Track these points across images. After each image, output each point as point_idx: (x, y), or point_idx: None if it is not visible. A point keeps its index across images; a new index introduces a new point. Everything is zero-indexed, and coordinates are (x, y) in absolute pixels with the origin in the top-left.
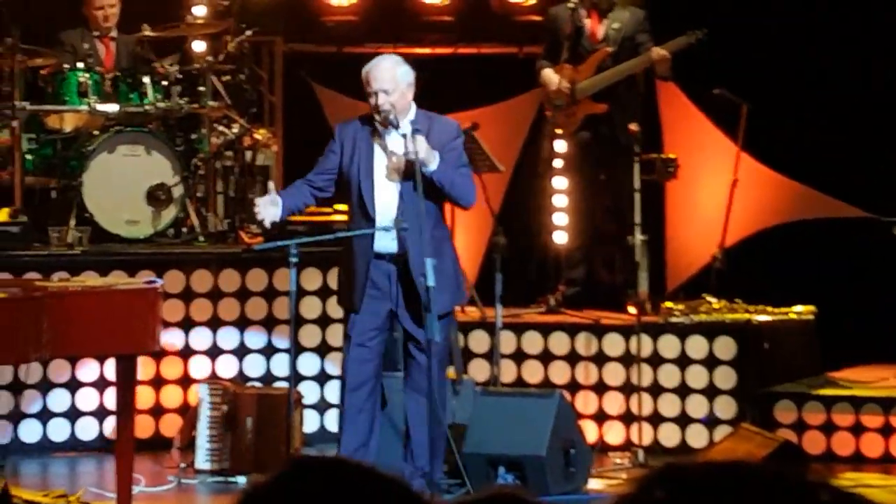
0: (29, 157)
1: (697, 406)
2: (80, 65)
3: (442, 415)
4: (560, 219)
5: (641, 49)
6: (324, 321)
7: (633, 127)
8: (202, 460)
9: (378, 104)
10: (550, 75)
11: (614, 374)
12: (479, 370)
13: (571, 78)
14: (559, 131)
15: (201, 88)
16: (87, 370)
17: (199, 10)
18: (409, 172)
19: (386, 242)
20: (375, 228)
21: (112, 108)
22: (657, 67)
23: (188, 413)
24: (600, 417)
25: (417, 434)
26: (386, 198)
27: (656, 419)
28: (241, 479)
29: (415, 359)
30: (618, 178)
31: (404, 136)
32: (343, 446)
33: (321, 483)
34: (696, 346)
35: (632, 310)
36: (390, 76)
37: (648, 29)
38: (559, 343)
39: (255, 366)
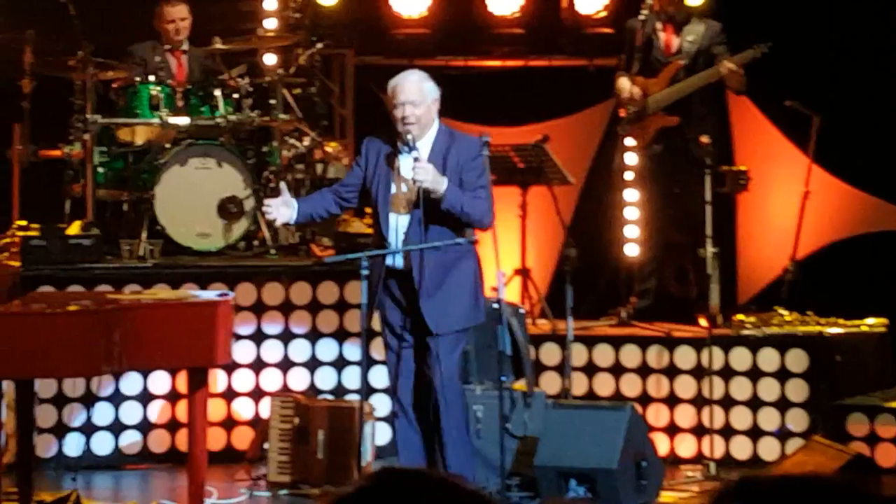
0: (101, 170)
1: (769, 419)
2: (152, 78)
3: (454, 435)
4: (631, 231)
5: (718, 62)
6: None
7: (705, 139)
8: (274, 473)
9: (405, 115)
10: (623, 82)
11: (686, 386)
12: (550, 383)
13: (644, 89)
14: (631, 143)
15: (272, 101)
16: (159, 383)
17: (271, 23)
18: (418, 197)
19: (393, 259)
20: (403, 248)
21: (183, 121)
22: (728, 81)
23: (259, 426)
24: (672, 430)
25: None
26: (398, 219)
27: (728, 432)
28: (313, 492)
29: (422, 388)
30: (690, 190)
31: (416, 159)
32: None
33: (405, 494)
34: (768, 358)
35: (703, 322)
36: (417, 88)
37: (725, 41)
38: (631, 355)
39: (326, 378)
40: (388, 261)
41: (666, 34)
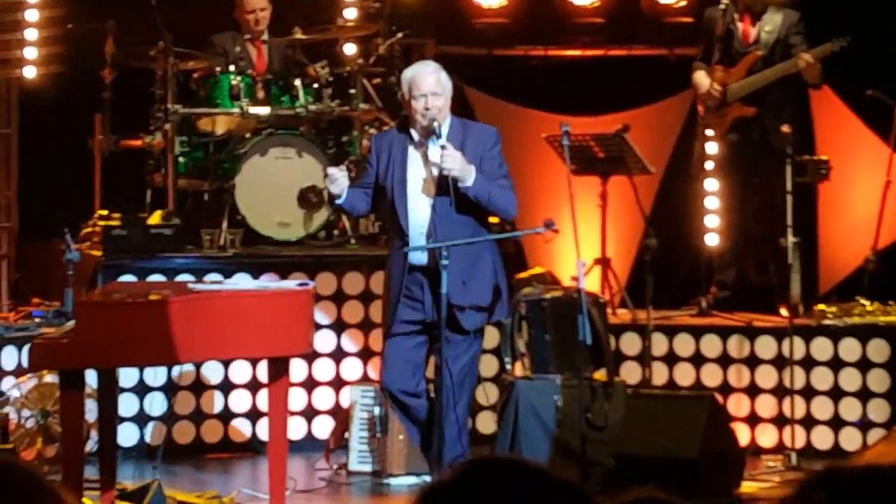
0: (181, 159)
1: (850, 409)
2: (232, 68)
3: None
4: (711, 221)
5: (794, 52)
6: None
7: (786, 129)
8: (355, 462)
9: (427, 106)
10: (701, 78)
11: (767, 376)
12: (630, 372)
13: (723, 80)
14: (710, 133)
15: (352, 91)
16: (240, 372)
17: (350, 13)
18: (443, 187)
19: (417, 255)
20: (428, 245)
21: (264, 110)
22: (805, 74)
23: (340, 415)
24: (753, 420)
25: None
26: (419, 211)
27: (809, 422)
28: (394, 481)
29: (440, 373)
30: (768, 180)
31: (443, 147)
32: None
33: (501, 482)
34: (850, 348)
35: (784, 312)
36: (436, 80)
37: (803, 31)
38: (711, 345)
39: None
40: (412, 257)
41: (744, 24)
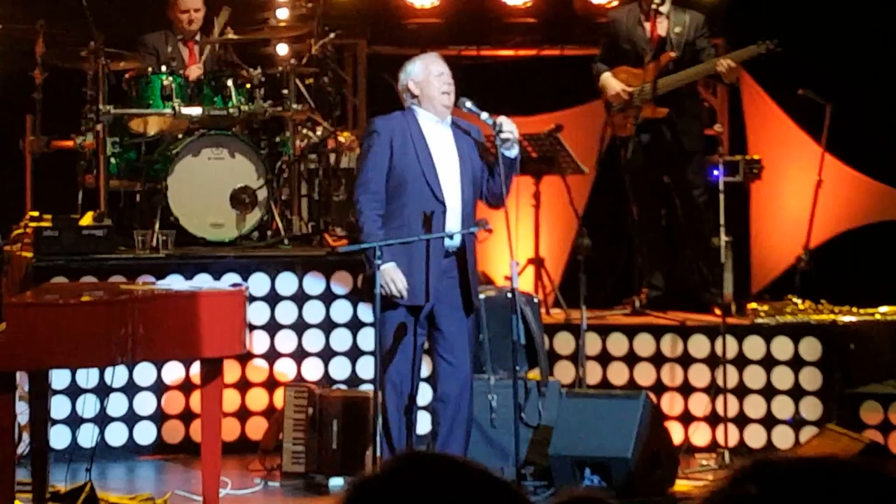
0: (113, 160)
1: (783, 407)
2: (164, 68)
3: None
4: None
5: (703, 55)
6: None
7: (718, 128)
8: (288, 463)
9: (451, 84)
10: (609, 80)
11: (700, 375)
12: (564, 372)
13: (628, 81)
14: (617, 135)
15: (285, 91)
16: (173, 373)
17: (283, 14)
18: (472, 168)
19: (452, 239)
20: (461, 231)
21: (196, 111)
22: (724, 76)
23: (274, 416)
24: (686, 419)
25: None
26: (452, 195)
27: (742, 420)
28: (328, 482)
29: (448, 363)
30: (685, 181)
31: (493, 122)
32: None
33: (433, 477)
34: (782, 347)
35: (717, 311)
36: (445, 63)
37: (708, 35)
38: (644, 344)
39: (340, 368)
40: (447, 242)
41: (651, 25)
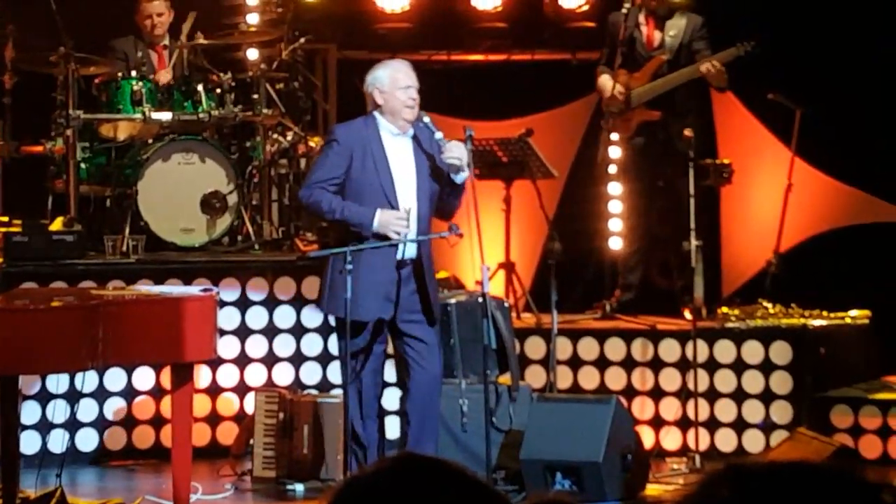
0: (83, 165)
1: (754, 411)
2: (134, 73)
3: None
4: (615, 224)
5: (698, 57)
6: None
7: (688, 132)
8: (259, 468)
9: (413, 97)
10: (605, 82)
11: (670, 379)
12: (535, 376)
13: (626, 84)
14: (614, 137)
15: (255, 96)
16: (144, 378)
17: (253, 18)
18: (429, 180)
19: (408, 248)
20: (417, 237)
21: (166, 116)
22: (710, 78)
23: (245, 421)
24: (657, 423)
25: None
26: (407, 205)
27: (713, 424)
28: (298, 487)
29: (419, 365)
30: (672, 183)
31: (441, 145)
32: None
33: (422, 480)
34: (752, 351)
35: (688, 315)
36: (414, 73)
37: (706, 36)
38: (615, 349)
39: (311, 373)
40: (401, 251)
41: (648, 28)
